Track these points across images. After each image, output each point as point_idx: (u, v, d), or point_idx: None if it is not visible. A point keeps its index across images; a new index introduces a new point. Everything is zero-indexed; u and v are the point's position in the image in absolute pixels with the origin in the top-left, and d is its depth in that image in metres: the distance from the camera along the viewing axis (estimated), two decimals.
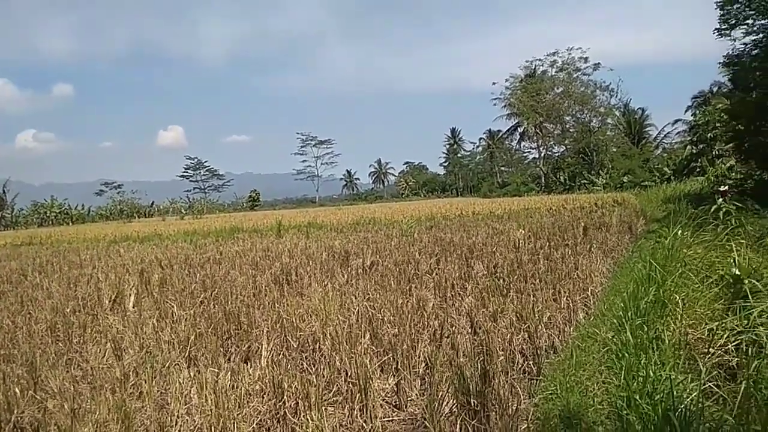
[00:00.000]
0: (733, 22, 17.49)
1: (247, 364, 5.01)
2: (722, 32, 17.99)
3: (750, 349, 4.43)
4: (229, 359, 5.29)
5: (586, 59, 62.96)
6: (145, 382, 4.28)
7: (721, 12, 17.57)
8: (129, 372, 4.67)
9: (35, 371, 4.92)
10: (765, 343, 4.42)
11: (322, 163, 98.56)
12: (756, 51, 17.90)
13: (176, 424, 3.65)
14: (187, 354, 5.24)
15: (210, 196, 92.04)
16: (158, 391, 4.29)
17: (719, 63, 20.23)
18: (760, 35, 17.22)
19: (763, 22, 16.83)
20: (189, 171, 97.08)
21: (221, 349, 5.52)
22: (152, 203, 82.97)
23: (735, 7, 17.10)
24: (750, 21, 17.14)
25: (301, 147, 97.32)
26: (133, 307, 7.77)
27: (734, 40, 17.95)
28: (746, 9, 16.85)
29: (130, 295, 8.26)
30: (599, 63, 62.35)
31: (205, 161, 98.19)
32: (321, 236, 17.36)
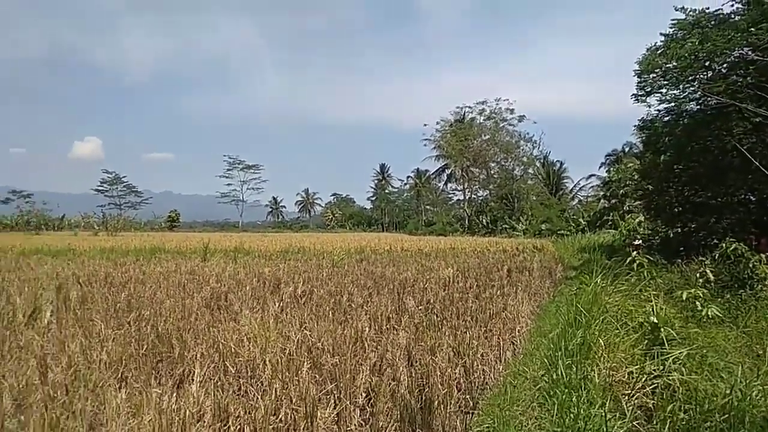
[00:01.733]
0: (649, 89, 19.07)
1: (179, 389, 4.90)
2: (638, 98, 19.56)
3: (665, 392, 4.84)
4: (159, 382, 5.13)
5: (512, 110, 66.42)
6: (78, 401, 4.09)
7: (639, 80, 19.15)
8: (57, 390, 4.44)
9: None
10: (678, 388, 4.84)
11: (248, 188, 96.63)
12: (668, 118, 19.61)
13: None
14: (119, 375, 5.05)
15: (126, 213, 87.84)
16: (91, 411, 4.10)
17: (634, 126, 21.99)
18: (672, 104, 18.89)
19: (675, 92, 18.47)
20: (105, 185, 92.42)
21: (153, 372, 5.34)
22: (63, 216, 78.14)
23: (651, 76, 18.69)
24: (663, 90, 18.78)
25: (228, 170, 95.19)
26: (51, 324, 7.34)
27: (649, 105, 19.55)
28: (661, 79, 18.47)
29: (47, 311, 7.81)
30: (524, 115, 65.95)
31: (124, 176, 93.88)
32: (249, 262, 17.06)
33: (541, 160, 67.35)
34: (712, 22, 15.60)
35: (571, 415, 3.93)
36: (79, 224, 73.08)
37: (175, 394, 4.29)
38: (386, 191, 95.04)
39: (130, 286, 10.89)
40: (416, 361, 5.83)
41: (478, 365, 5.59)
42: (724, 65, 17.02)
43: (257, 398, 4.29)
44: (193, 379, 4.69)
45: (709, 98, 17.19)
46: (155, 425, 3.54)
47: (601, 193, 48.08)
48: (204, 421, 4.03)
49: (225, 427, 3.95)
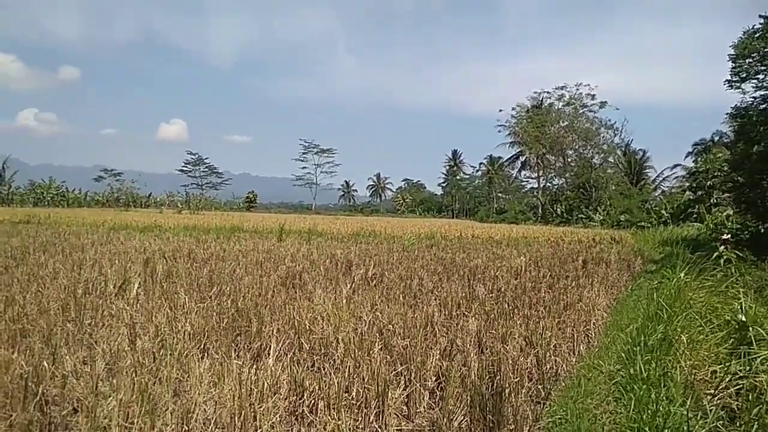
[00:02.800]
0: (744, 75, 17.85)
1: (256, 362, 5.11)
2: (733, 84, 18.35)
3: (750, 394, 4.58)
4: (238, 355, 5.37)
5: (593, 96, 63.87)
6: (164, 368, 4.37)
7: (733, 65, 17.93)
8: (145, 357, 4.75)
9: (52, 348, 5.00)
10: (765, 391, 4.56)
11: (321, 172, 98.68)
12: (764, 105, 18.27)
13: (198, 412, 3.73)
14: (201, 345, 5.34)
15: (207, 193, 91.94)
16: (176, 378, 4.37)
17: (726, 114, 20.64)
18: None
19: None
20: (188, 166, 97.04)
21: (233, 344, 5.61)
22: (150, 194, 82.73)
23: (747, 61, 17.47)
24: (761, 76, 17.51)
25: (303, 153, 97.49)
26: (139, 295, 7.83)
27: (744, 92, 18.31)
28: (758, 65, 17.22)
29: (136, 282, 8.32)
30: (606, 101, 63.25)
31: (206, 158, 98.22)
32: (322, 243, 17.44)
33: (623, 149, 64.46)
34: None
35: (650, 412, 3.79)
36: (165, 202, 77.33)
37: (253, 367, 4.49)
38: (458, 177, 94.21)
39: (212, 262, 11.42)
40: (487, 349, 5.80)
41: (550, 356, 5.48)
42: None
43: (330, 375, 4.42)
44: (269, 353, 4.88)
45: None
46: (235, 394, 3.72)
47: (687, 184, 45.52)
48: (280, 394, 4.20)
49: (300, 400, 4.11)
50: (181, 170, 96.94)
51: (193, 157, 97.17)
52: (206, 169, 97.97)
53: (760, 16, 16.40)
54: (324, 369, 4.93)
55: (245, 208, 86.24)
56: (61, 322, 6.04)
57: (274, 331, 5.85)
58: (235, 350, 5.45)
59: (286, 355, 5.28)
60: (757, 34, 16.69)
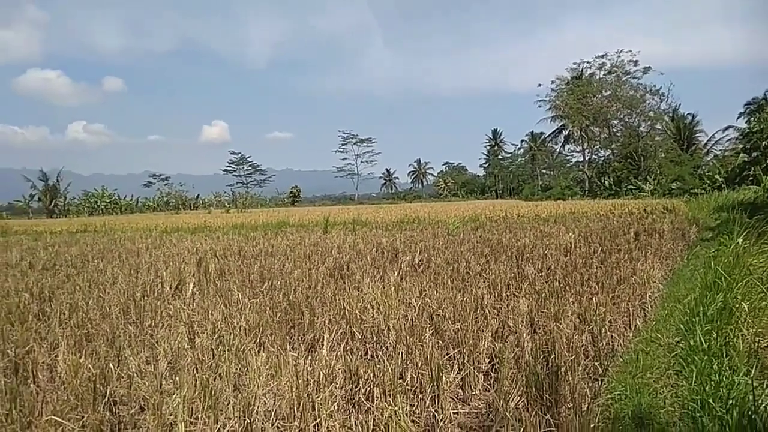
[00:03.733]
0: None
1: (311, 353, 5.21)
2: None
3: None
4: (293, 347, 5.49)
5: (635, 62, 61.78)
6: (223, 363, 4.51)
7: None
8: (205, 354, 4.92)
9: (116, 350, 5.24)
10: None
11: (362, 162, 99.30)
12: None
13: (258, 405, 3.84)
14: (257, 340, 5.48)
15: (252, 191, 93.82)
16: (235, 372, 4.50)
17: None
18: None
19: None
20: (232, 165, 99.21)
21: (287, 337, 5.74)
22: (197, 196, 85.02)
23: None
24: None
25: (342, 145, 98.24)
26: (194, 294, 8.08)
27: None
28: None
29: (190, 282, 8.59)
30: (649, 66, 61.08)
31: (248, 156, 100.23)
32: (367, 233, 17.56)
33: (670, 114, 62.11)
34: None
35: (712, 383, 3.69)
36: (212, 203, 79.44)
37: (309, 358, 4.59)
38: (499, 157, 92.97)
39: (261, 258, 11.68)
40: (539, 328, 5.75)
41: (606, 332, 5.38)
42: None
43: (384, 362, 4.47)
44: (323, 344, 4.96)
45: None
46: (292, 386, 3.81)
47: (741, 146, 43.44)
48: (336, 383, 4.28)
49: (356, 388, 4.17)
50: (226, 170, 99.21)
51: (236, 156, 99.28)
52: (250, 168, 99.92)
53: None
54: (377, 356, 4.99)
55: (290, 203, 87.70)
56: (123, 325, 6.31)
57: (326, 322, 5.96)
58: (290, 342, 5.57)
59: (339, 344, 5.38)
60: None
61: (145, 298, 7.68)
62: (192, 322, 6.09)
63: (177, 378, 4.38)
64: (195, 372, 4.45)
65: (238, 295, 7.41)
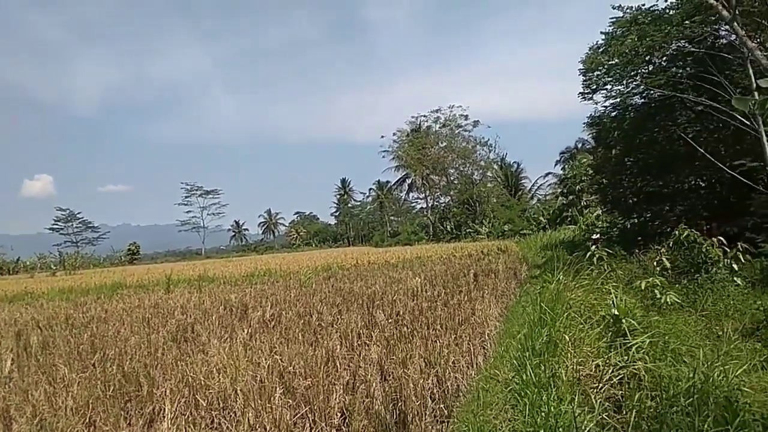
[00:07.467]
0: (594, 87, 19.71)
1: (150, 428, 4.79)
2: (585, 96, 20.18)
3: (631, 382, 4.97)
4: (129, 423, 5.00)
5: (466, 116, 67.59)
6: None
7: (584, 78, 19.75)
8: None
9: None
10: (643, 376, 4.98)
11: (208, 214, 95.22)
12: (614, 113, 20.28)
13: None
14: (87, 419, 4.90)
15: (83, 250, 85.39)
16: None
17: (584, 123, 22.67)
18: (617, 99, 19.57)
19: (619, 87, 19.15)
20: (59, 223, 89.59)
21: (122, 412, 5.20)
22: (18, 258, 75.37)
23: (595, 74, 19.32)
24: (608, 86, 19.42)
25: (186, 197, 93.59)
26: (12, 373, 7.08)
27: (596, 102, 20.22)
28: (605, 76, 19.10)
29: (7, 360, 7.52)
30: (478, 120, 67.23)
31: (78, 212, 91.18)
32: (214, 290, 16.75)
33: (499, 163, 68.47)
34: (649, 18, 16.22)
35: (543, 414, 3.99)
36: (36, 266, 70.79)
37: None
38: (349, 205, 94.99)
39: (93, 325, 10.56)
40: (389, 375, 5.83)
41: (450, 373, 5.62)
42: (664, 59, 17.73)
43: (230, 430, 4.22)
44: (164, 417, 4.58)
45: (652, 91, 17.86)
46: None
47: (559, 190, 49.10)
48: None
49: None
50: (52, 228, 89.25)
51: (63, 213, 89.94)
52: (80, 225, 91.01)
53: (602, 33, 18.26)
54: (223, 425, 4.70)
55: (128, 262, 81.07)
56: None
57: (167, 391, 5.50)
58: (125, 418, 5.06)
59: (182, 415, 4.98)
60: (601, 49, 18.54)
61: None
62: (8, 406, 5.30)
63: None
64: None
65: (65, 370, 6.60)
